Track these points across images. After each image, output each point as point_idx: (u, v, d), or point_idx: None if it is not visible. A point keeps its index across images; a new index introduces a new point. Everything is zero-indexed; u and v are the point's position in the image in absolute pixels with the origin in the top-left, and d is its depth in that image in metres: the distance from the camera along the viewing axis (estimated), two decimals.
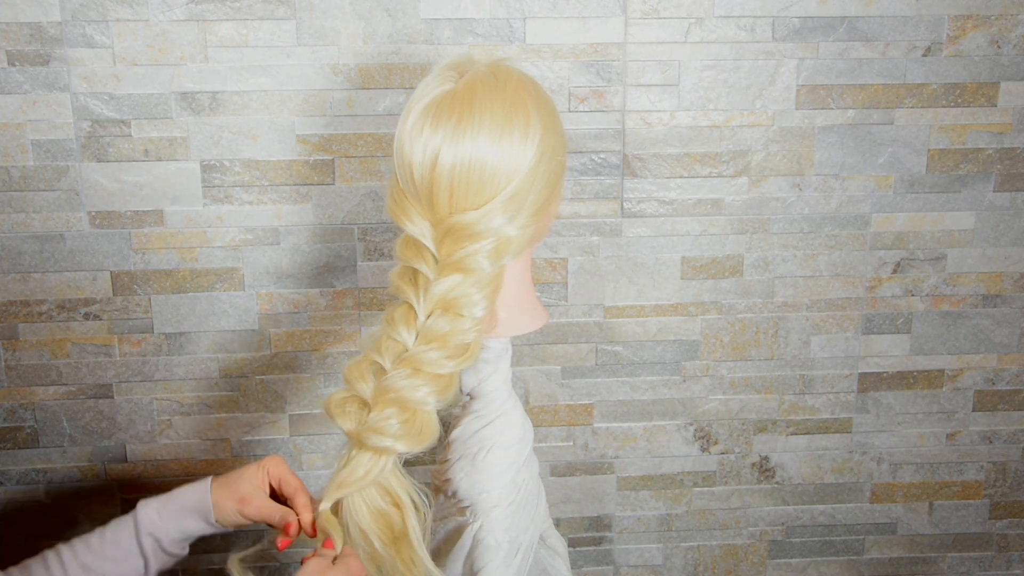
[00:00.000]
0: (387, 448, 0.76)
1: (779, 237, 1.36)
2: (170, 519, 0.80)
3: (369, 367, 0.79)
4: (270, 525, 0.84)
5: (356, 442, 0.78)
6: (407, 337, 0.78)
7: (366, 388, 0.78)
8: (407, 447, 0.77)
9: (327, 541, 0.78)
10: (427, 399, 0.77)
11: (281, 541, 0.83)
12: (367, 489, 0.78)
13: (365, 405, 0.78)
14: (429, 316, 0.78)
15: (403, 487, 0.79)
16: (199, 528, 0.82)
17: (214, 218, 1.29)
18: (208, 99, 1.25)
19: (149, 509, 0.81)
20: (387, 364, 0.78)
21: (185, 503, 0.81)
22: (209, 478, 0.84)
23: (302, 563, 0.78)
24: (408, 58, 1.25)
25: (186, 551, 0.83)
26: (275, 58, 1.24)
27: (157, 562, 0.80)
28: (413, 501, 0.79)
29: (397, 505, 0.78)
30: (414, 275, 0.80)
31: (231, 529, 0.84)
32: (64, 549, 0.79)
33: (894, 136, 1.33)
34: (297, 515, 0.84)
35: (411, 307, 0.79)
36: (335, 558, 0.78)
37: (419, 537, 0.78)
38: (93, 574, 0.77)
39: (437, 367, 0.77)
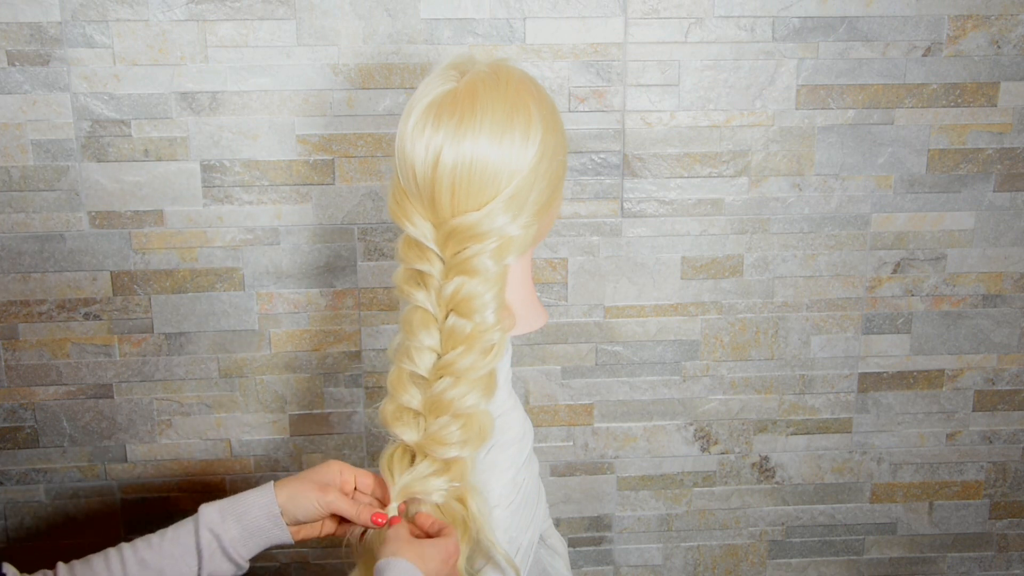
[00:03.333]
0: (454, 458, 0.79)
1: (779, 237, 1.36)
2: (231, 516, 0.79)
3: (408, 376, 0.81)
4: (344, 519, 0.83)
5: (421, 453, 0.80)
6: (432, 342, 0.80)
7: (411, 398, 0.80)
8: (472, 450, 0.80)
9: (394, 519, 0.80)
10: (478, 403, 0.80)
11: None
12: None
13: (418, 414, 0.81)
14: (446, 319, 0.80)
15: (464, 483, 0.81)
16: (263, 527, 0.80)
17: (214, 218, 1.29)
18: (208, 99, 1.25)
19: (211, 508, 0.80)
20: (423, 371, 0.80)
21: (249, 501, 0.80)
22: (270, 482, 0.83)
23: (362, 538, 0.80)
24: (408, 58, 1.25)
25: (246, 564, 0.80)
26: (275, 58, 1.24)
27: (212, 564, 0.78)
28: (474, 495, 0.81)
29: (461, 500, 0.81)
30: (420, 277, 0.80)
31: (291, 540, 0.81)
32: (126, 547, 0.78)
33: (894, 136, 1.33)
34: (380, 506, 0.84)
35: (426, 311, 0.80)
36: (432, 534, 0.79)
37: (483, 527, 0.80)
38: (150, 570, 0.76)
39: (474, 371, 0.79)
